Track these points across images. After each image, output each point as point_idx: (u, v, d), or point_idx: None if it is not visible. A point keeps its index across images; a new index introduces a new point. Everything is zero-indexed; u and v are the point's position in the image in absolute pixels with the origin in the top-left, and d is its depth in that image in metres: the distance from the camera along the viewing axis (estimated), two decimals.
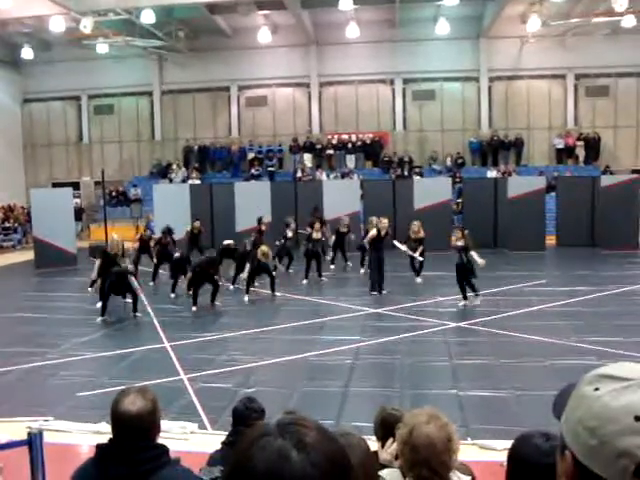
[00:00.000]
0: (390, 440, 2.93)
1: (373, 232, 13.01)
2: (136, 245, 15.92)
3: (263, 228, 15.72)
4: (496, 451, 5.30)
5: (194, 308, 12.02)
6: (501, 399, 6.97)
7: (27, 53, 26.39)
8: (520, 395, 6.99)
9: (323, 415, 5.99)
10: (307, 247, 14.64)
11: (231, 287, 13.74)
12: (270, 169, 26.52)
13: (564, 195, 20.40)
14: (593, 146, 25.83)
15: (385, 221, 13.25)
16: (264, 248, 12.97)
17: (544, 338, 9.22)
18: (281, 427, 0.95)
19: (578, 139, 25.99)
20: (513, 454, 2.10)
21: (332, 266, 16.27)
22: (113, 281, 11.42)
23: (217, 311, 12.06)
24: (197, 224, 16.51)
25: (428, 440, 2.20)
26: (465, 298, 11.63)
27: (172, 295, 13.31)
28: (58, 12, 21.01)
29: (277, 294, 13.03)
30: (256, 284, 13.98)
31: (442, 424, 2.29)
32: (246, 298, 12.72)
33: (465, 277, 11.60)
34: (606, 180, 19.92)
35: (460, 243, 11.63)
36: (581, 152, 25.98)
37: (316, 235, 14.63)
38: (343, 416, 6.48)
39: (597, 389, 0.94)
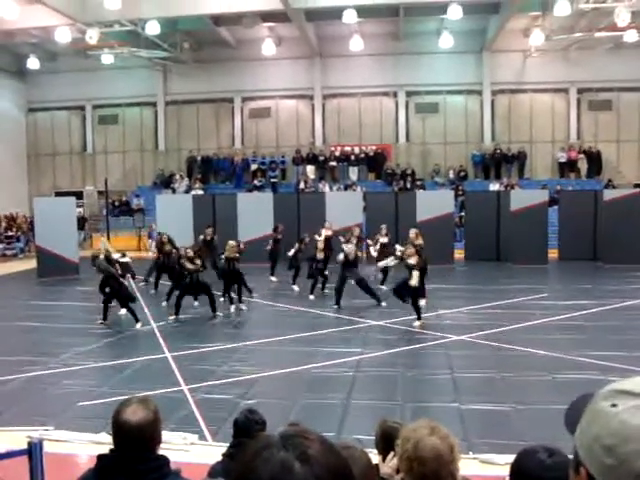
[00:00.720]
0: (391, 454, 2.92)
1: (340, 257, 13.01)
2: (154, 256, 15.86)
3: (280, 237, 15.99)
4: (498, 466, 5.27)
5: (171, 318, 11.97)
6: (503, 413, 6.92)
7: (33, 63, 26.59)
8: (522, 409, 6.94)
9: (324, 427, 5.95)
10: (311, 265, 14.53)
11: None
12: (273, 180, 26.56)
13: (566, 209, 20.41)
14: (595, 160, 25.85)
15: (350, 246, 13.21)
16: (231, 242, 13.00)
17: (546, 352, 9.18)
18: (284, 439, 0.95)
19: (580, 153, 26.02)
20: (515, 469, 2.09)
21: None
22: (113, 288, 11.48)
23: (218, 322, 12.04)
24: (209, 230, 16.41)
25: (434, 452, 2.19)
26: (419, 318, 11.13)
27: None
28: (64, 23, 21.18)
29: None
30: (254, 294, 14.01)
31: (444, 435, 2.28)
32: (232, 308, 12.74)
33: (415, 297, 11.15)
34: (608, 194, 19.92)
35: (411, 261, 11.00)
36: (583, 166, 25.99)
37: (320, 255, 14.55)
38: (344, 428, 6.44)
39: (615, 405, 0.91)
